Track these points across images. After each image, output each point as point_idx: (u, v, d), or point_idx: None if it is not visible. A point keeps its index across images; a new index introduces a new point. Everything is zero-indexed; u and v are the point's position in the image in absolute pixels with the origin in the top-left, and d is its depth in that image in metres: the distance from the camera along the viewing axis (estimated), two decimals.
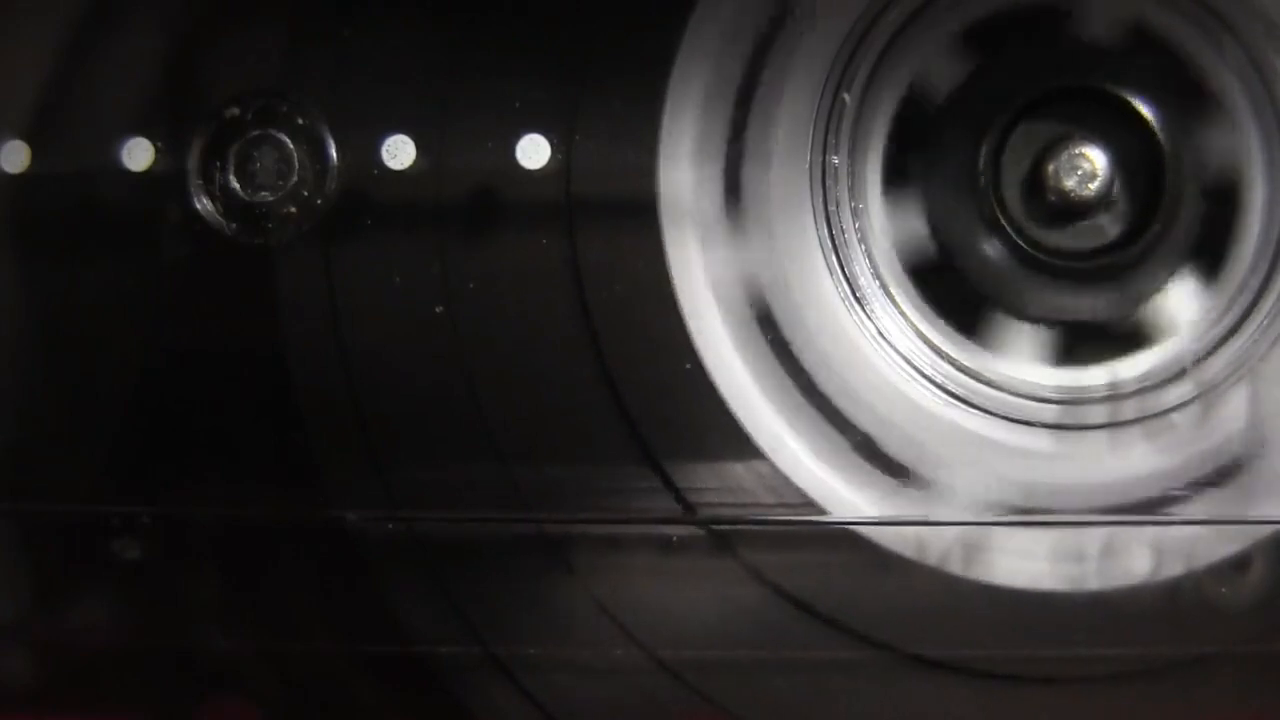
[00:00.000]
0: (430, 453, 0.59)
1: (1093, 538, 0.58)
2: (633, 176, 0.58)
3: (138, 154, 0.59)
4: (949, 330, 0.60)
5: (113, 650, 0.60)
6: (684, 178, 0.59)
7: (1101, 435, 0.59)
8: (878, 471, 0.59)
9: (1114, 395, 0.59)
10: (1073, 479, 0.58)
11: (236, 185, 0.59)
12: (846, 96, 0.59)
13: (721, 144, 0.59)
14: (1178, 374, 0.59)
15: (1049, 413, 0.59)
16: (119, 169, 0.59)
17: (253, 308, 0.59)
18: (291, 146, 0.59)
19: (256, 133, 0.59)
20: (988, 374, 0.60)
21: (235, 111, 0.59)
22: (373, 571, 0.59)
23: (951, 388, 0.59)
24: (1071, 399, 0.59)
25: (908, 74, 0.60)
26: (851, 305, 0.59)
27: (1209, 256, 0.60)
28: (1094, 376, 0.60)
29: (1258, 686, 0.58)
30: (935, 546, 0.58)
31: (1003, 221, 0.60)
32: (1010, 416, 0.59)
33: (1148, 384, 0.59)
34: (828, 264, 0.59)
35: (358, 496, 0.59)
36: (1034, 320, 0.60)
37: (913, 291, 0.60)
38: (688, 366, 0.58)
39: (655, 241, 0.59)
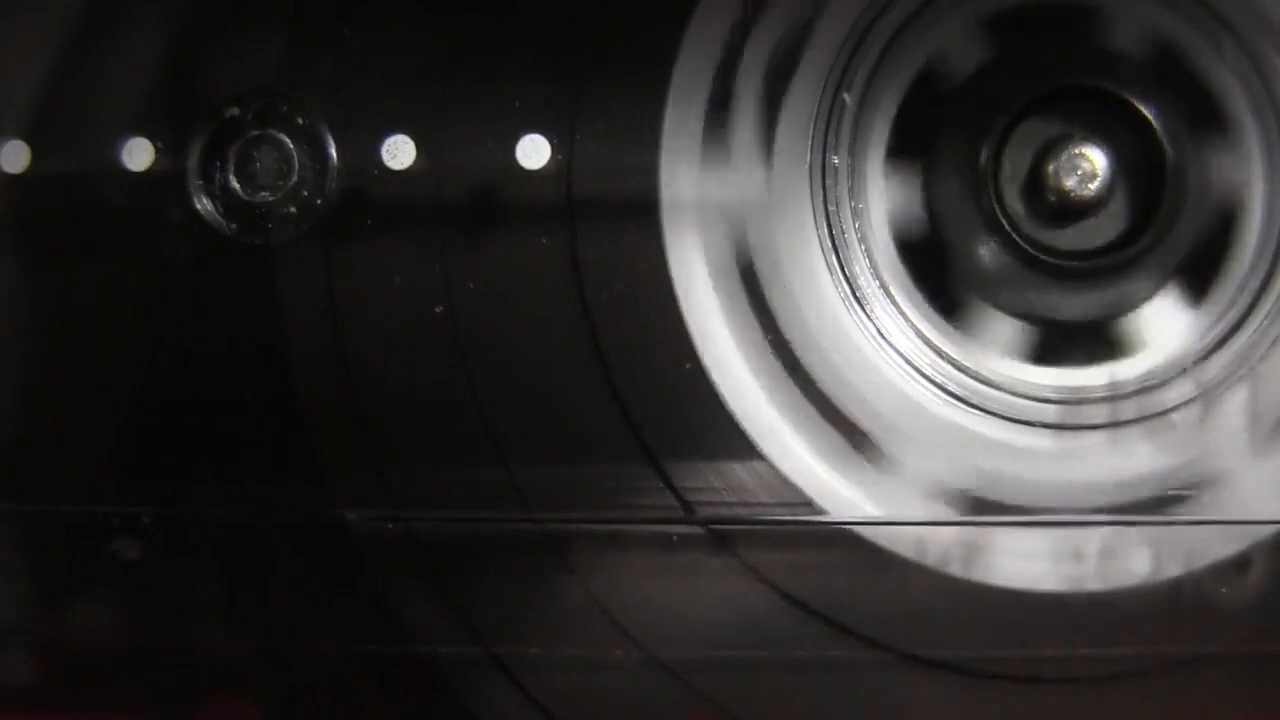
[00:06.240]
0: (430, 453, 0.59)
1: (1093, 538, 0.58)
2: (633, 176, 0.58)
3: (138, 154, 0.59)
4: (945, 326, 0.60)
5: (113, 650, 0.60)
6: (685, 177, 0.59)
7: (1101, 435, 0.59)
8: (878, 470, 0.59)
9: (1114, 395, 0.59)
10: (1073, 479, 0.58)
11: (236, 185, 0.59)
12: (846, 96, 0.59)
13: (722, 143, 0.59)
14: (1178, 374, 0.59)
15: (1049, 413, 0.59)
16: (119, 169, 0.59)
17: (253, 308, 0.59)
18: (291, 146, 0.59)
19: (256, 133, 0.59)
20: (987, 374, 0.60)
21: (235, 111, 0.59)
22: (373, 571, 0.59)
23: (951, 388, 0.59)
24: (1071, 399, 0.59)
25: (909, 73, 0.60)
26: (851, 305, 0.59)
27: (1208, 258, 0.60)
28: (1094, 376, 0.60)
29: (1258, 686, 0.58)
30: (935, 547, 0.58)
31: (1002, 220, 0.60)
32: (1010, 416, 0.59)
33: (1148, 384, 0.59)
34: (828, 264, 0.59)
35: (358, 496, 0.59)
36: (1018, 316, 0.60)
37: (913, 291, 0.60)
38: (688, 366, 0.58)
39: (656, 241, 0.59)
